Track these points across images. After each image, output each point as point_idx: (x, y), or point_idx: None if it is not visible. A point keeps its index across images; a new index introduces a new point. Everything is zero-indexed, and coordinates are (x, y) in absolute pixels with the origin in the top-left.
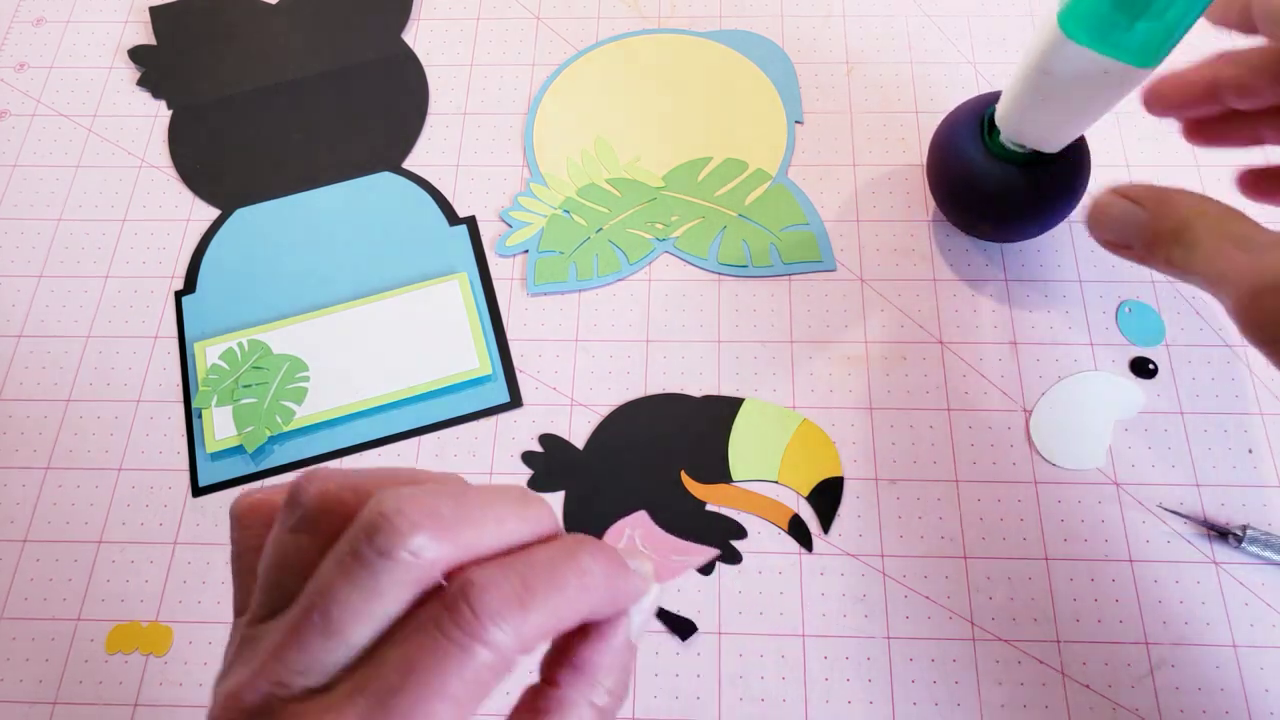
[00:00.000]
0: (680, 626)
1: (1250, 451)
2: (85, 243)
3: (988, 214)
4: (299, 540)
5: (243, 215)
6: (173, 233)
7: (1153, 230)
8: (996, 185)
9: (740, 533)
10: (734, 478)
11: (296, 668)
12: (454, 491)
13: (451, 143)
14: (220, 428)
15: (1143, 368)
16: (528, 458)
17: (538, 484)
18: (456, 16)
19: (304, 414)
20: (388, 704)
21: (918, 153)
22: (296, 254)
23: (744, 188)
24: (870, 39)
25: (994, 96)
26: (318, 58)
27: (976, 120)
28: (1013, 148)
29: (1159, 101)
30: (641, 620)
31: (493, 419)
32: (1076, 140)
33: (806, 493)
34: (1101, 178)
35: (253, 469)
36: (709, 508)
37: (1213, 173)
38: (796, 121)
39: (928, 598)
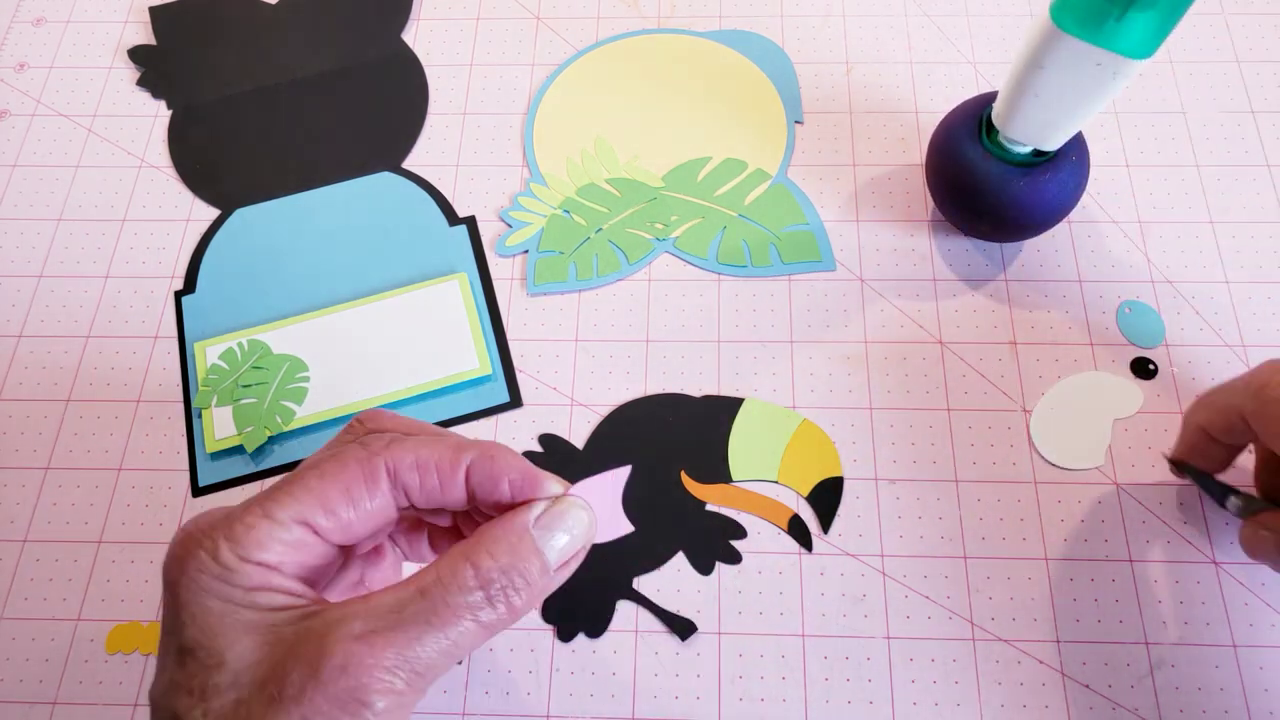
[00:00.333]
0: (680, 626)
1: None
2: (85, 243)
3: (987, 214)
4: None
5: (243, 215)
6: (173, 233)
7: None
8: (995, 185)
9: (740, 533)
10: (734, 478)
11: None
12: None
13: (451, 143)
14: (220, 428)
15: (1143, 368)
16: (528, 458)
17: None
18: (456, 16)
19: (304, 414)
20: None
21: (917, 153)
22: (296, 254)
23: (744, 187)
24: (870, 39)
25: (993, 96)
26: (318, 58)
27: (975, 120)
28: (1011, 147)
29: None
30: (565, 541)
31: (493, 419)
32: (1075, 139)
33: (806, 493)
34: (1101, 177)
35: (253, 469)
36: (709, 508)
37: (1212, 173)
38: (796, 121)
39: (928, 598)
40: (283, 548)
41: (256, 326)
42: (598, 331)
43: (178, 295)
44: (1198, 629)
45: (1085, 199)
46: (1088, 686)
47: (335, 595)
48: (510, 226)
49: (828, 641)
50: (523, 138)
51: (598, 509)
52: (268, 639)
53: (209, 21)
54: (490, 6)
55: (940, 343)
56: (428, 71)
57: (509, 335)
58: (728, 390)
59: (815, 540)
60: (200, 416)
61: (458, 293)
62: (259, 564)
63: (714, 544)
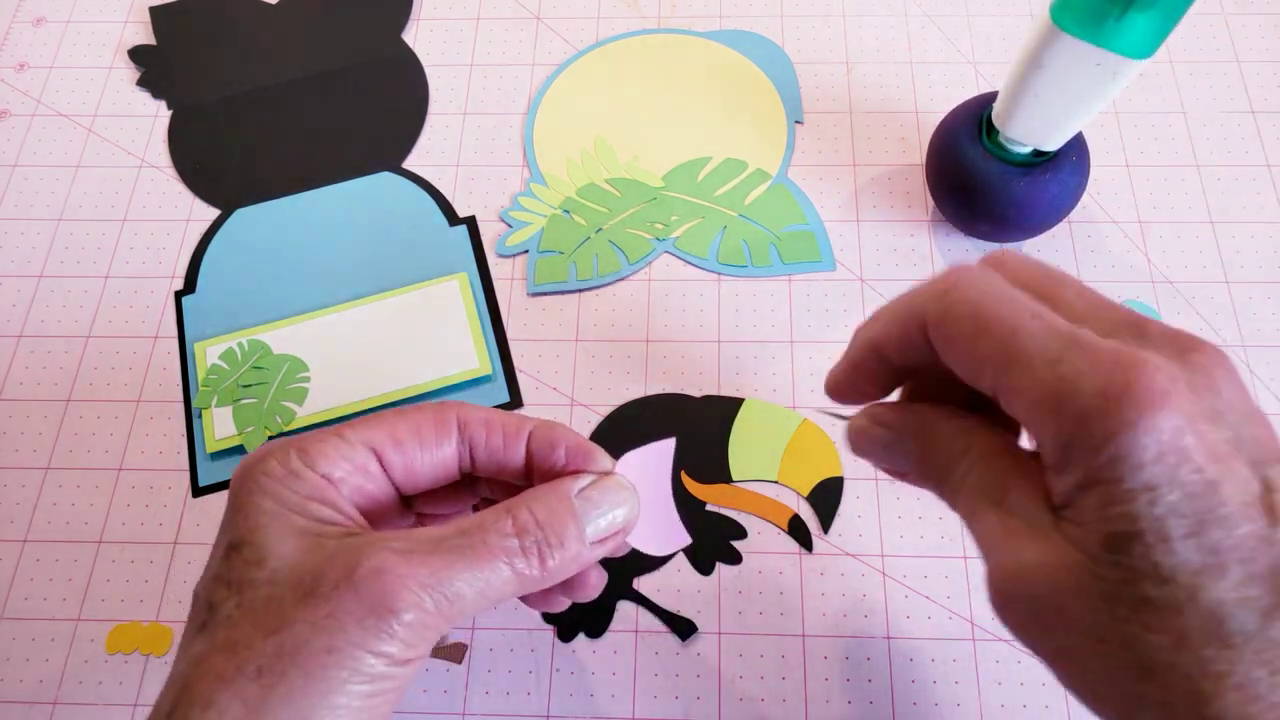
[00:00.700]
0: (680, 626)
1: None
2: (85, 243)
3: (987, 214)
4: None
5: (243, 215)
6: (173, 233)
7: (918, 465)
8: (995, 185)
9: (740, 533)
10: (734, 478)
11: None
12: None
13: (451, 143)
14: (220, 428)
15: None
16: None
17: None
18: (456, 16)
19: (304, 414)
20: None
21: (918, 153)
22: (296, 254)
23: (744, 187)
24: (870, 39)
25: (993, 96)
26: (318, 58)
27: (976, 120)
28: (1012, 147)
29: (838, 394)
30: (606, 522)
31: None
32: (1075, 139)
33: (806, 493)
34: (1101, 177)
35: None
36: (709, 508)
37: (1212, 173)
38: (796, 121)
39: (928, 598)
40: (348, 465)
41: (256, 326)
42: (598, 331)
43: (178, 295)
44: None
45: (1085, 199)
46: None
47: None
48: (510, 226)
49: (828, 641)
50: (523, 138)
51: (644, 484)
52: (311, 545)
53: (209, 21)
54: (490, 6)
55: None
56: (428, 71)
57: (509, 335)
58: (728, 390)
59: (815, 540)
60: (200, 416)
61: (458, 293)
62: (322, 475)
63: (714, 544)
